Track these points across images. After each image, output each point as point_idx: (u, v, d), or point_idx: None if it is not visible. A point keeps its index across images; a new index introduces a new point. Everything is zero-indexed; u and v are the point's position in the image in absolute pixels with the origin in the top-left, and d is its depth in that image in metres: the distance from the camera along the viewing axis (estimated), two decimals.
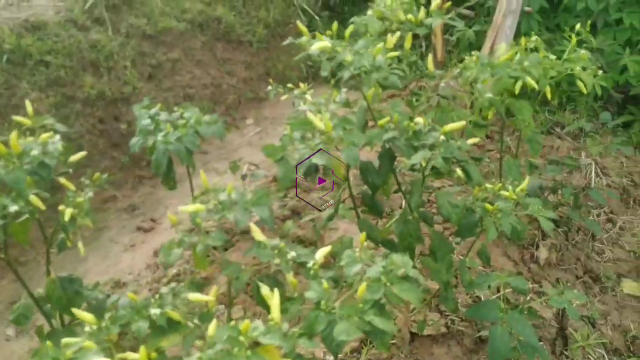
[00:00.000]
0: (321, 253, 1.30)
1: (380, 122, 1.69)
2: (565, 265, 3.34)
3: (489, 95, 1.97)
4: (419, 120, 1.62)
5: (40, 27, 4.37)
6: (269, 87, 2.61)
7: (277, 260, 1.28)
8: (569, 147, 4.40)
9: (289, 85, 2.32)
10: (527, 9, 4.93)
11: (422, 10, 1.96)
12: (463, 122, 1.58)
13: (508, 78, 1.96)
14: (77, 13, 4.66)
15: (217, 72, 5.30)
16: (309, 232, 3.49)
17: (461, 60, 5.40)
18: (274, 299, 1.22)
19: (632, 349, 2.88)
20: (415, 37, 6.45)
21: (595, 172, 4.06)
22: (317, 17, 6.39)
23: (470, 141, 1.95)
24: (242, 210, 1.39)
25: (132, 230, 3.87)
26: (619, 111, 4.86)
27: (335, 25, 1.82)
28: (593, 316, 2.99)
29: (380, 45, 1.68)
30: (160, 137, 2.38)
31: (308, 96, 2.03)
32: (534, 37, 2.58)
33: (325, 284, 1.31)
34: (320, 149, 1.55)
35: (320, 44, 1.65)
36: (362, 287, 1.24)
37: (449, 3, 2.06)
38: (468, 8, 5.54)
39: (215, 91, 5.20)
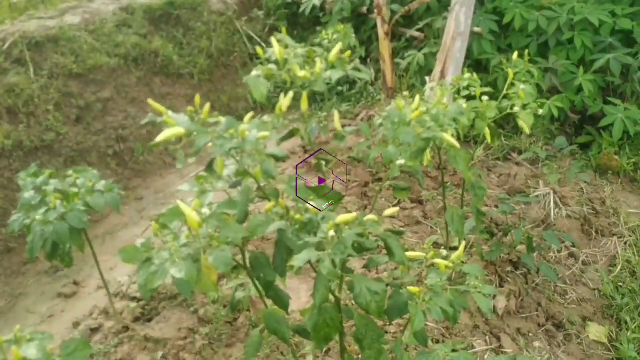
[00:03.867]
0: None
1: (267, 207, 1.37)
2: (526, 313, 3.06)
3: (401, 161, 1.68)
4: (309, 206, 1.31)
5: None
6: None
7: None
8: (526, 175, 4.16)
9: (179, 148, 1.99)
10: (476, 29, 4.72)
11: (319, 63, 1.65)
12: (354, 215, 1.27)
13: (420, 140, 1.67)
14: None
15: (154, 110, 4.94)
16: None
17: (412, 86, 5.11)
18: None
19: None
20: (363, 60, 6.12)
21: (554, 202, 3.81)
22: (264, 44, 6.10)
23: (388, 212, 1.66)
24: None
25: (53, 296, 3.47)
26: (577, 132, 4.65)
27: (197, 98, 1.51)
28: None
29: (244, 125, 1.37)
30: (39, 215, 2.03)
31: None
32: (467, 75, 2.32)
33: None
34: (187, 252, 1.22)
35: (171, 131, 1.34)
36: None
37: (349, 52, 1.76)
38: (417, 30, 5.31)
39: (153, 130, 4.83)
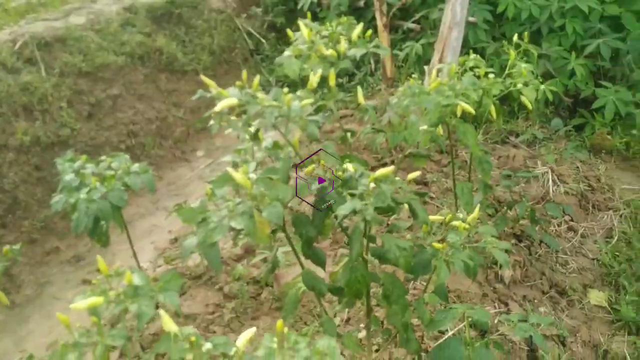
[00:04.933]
0: (243, 339, 1.13)
1: (307, 170, 1.54)
2: (531, 282, 3.25)
3: (424, 127, 1.85)
4: (348, 166, 1.48)
5: None
6: (211, 122, 2.43)
7: (189, 357, 1.10)
8: (524, 156, 4.35)
9: (233, 117, 2.14)
10: (471, 19, 4.90)
11: (343, 42, 1.82)
12: (392, 168, 1.44)
13: (441, 107, 1.84)
14: (6, 55, 4.39)
15: (162, 105, 5.09)
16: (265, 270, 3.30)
17: (411, 75, 5.31)
18: None
19: None
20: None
21: (552, 180, 4.01)
22: (263, 40, 6.26)
23: (411, 176, 1.82)
24: (147, 300, 1.20)
25: (77, 283, 3.62)
26: (570, 115, 4.86)
27: (244, 73, 1.66)
28: (562, 334, 2.89)
29: (289, 95, 1.53)
30: (83, 194, 2.18)
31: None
32: (472, 55, 2.49)
33: None
34: (242, 209, 1.39)
35: (226, 101, 1.49)
36: None
37: (370, 31, 1.93)
38: (414, 22, 5.49)
39: (162, 125, 4.98)
